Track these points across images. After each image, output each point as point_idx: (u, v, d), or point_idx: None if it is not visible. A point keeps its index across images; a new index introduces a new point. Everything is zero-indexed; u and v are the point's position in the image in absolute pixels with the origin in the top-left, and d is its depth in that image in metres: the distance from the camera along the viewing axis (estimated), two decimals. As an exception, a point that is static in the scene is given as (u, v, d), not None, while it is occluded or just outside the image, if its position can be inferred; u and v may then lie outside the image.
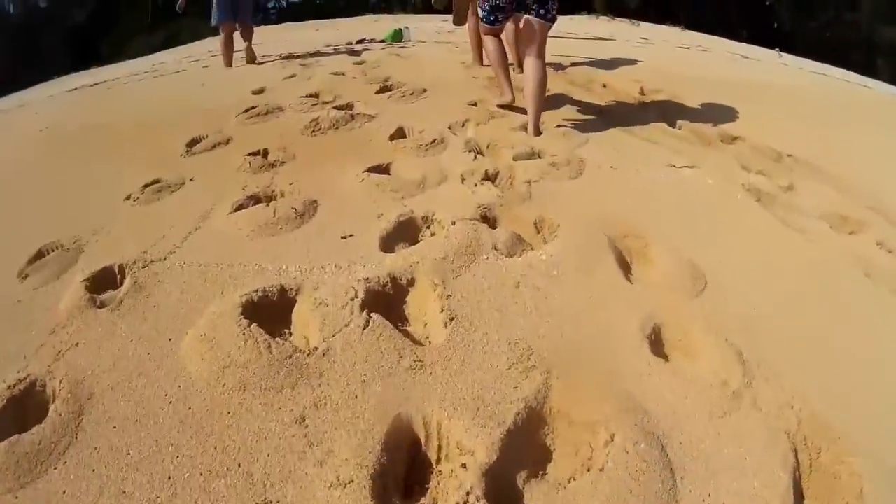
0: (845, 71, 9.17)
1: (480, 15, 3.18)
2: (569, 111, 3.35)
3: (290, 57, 5.68)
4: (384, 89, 3.79)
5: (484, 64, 4.38)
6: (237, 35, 5.68)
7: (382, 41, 6.98)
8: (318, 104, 3.49)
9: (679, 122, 3.36)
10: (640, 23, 10.61)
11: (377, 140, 2.80)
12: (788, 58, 9.24)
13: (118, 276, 1.73)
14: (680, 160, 2.71)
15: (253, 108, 3.47)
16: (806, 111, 4.17)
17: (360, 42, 7.01)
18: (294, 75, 4.55)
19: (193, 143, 2.98)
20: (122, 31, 22.28)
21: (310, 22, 12.97)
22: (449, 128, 2.92)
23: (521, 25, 2.97)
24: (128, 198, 2.34)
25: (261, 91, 4.04)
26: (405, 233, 1.92)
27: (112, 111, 4.11)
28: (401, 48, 5.95)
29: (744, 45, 10.06)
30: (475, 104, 3.36)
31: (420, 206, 2.05)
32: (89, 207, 2.27)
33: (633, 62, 5.24)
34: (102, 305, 1.57)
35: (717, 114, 3.59)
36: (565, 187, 2.30)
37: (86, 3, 22.92)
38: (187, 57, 8.69)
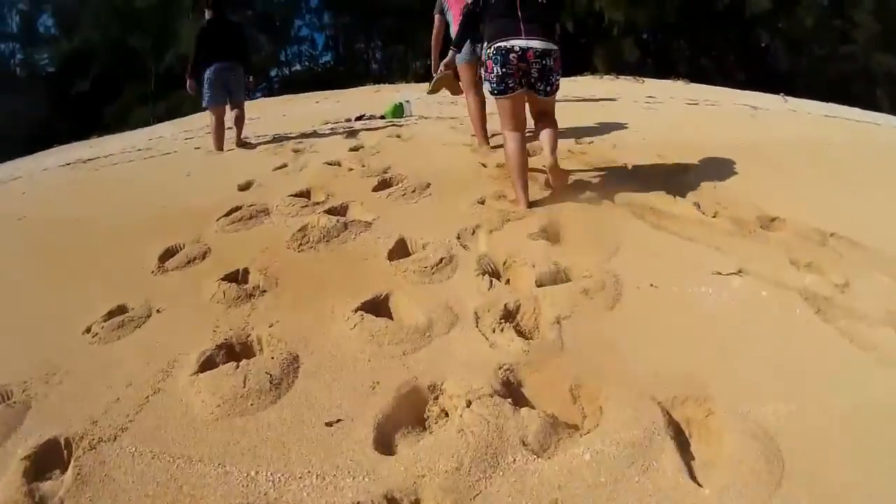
0: (849, 108, 9.08)
1: (489, 88, 2.91)
2: (592, 204, 2.96)
3: (283, 139, 5.40)
4: (383, 184, 3.40)
5: (492, 146, 4.06)
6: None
7: (382, 117, 6.71)
8: (309, 205, 3.13)
9: (712, 207, 3.00)
10: (645, 80, 10.48)
11: (374, 259, 2.42)
12: (794, 101, 9.14)
13: (64, 452, 1.52)
14: (724, 262, 2.35)
15: (237, 209, 3.16)
16: (832, 171, 3.91)
17: (359, 119, 6.74)
18: (285, 164, 4.22)
19: (167, 255, 2.72)
20: (126, 99, 22.67)
21: (311, 94, 12.96)
22: (458, 237, 2.53)
23: (531, 102, 2.99)
24: (87, 330, 2.12)
25: (247, 186, 3.73)
26: (407, 413, 1.52)
27: (93, 201, 4.04)
28: (401, 127, 5.61)
29: (748, 92, 10.01)
30: (484, 202, 2.97)
31: (426, 369, 1.66)
32: (46, 339, 2.10)
33: (648, 129, 4.93)
34: (42, 502, 1.35)
35: (749, 189, 3.26)
36: (603, 327, 1.90)
37: (90, 71, 23.40)
38: (185, 131, 8.58)
